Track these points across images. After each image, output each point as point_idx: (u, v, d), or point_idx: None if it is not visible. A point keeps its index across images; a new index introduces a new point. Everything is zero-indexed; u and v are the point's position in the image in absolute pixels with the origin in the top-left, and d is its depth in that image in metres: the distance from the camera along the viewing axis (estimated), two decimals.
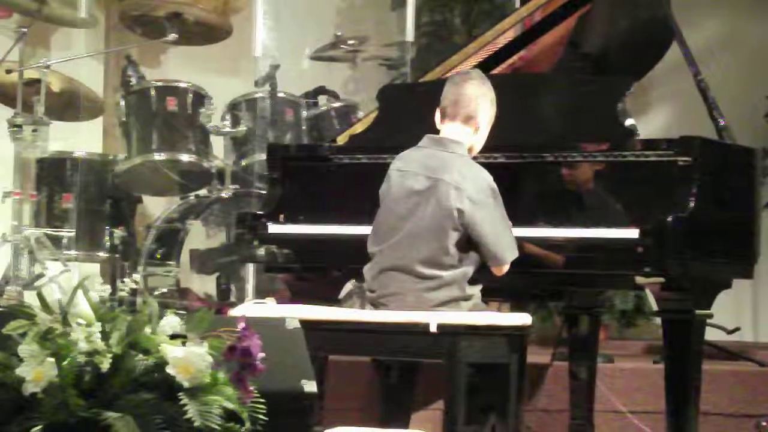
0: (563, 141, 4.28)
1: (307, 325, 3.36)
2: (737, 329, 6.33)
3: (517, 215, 4.05)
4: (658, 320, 4.24)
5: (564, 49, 4.79)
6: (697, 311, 4.14)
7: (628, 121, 4.25)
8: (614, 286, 4.67)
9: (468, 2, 7.17)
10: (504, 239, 4.00)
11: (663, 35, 4.55)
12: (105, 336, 2.82)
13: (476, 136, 4.09)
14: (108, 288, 2.96)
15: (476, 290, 4.07)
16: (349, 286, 5.68)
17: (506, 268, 4.02)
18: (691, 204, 4.00)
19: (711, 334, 4.79)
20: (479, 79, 4.12)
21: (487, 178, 4.00)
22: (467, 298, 4.04)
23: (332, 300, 4.64)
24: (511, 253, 4.01)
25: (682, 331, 4.14)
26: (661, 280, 4.05)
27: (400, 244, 4.04)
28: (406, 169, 4.10)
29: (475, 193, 3.98)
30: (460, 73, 4.23)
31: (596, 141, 4.22)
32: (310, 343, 3.30)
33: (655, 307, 4.26)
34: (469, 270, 4.03)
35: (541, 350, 5.24)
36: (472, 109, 4.06)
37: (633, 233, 3.96)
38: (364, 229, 4.32)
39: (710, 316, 4.20)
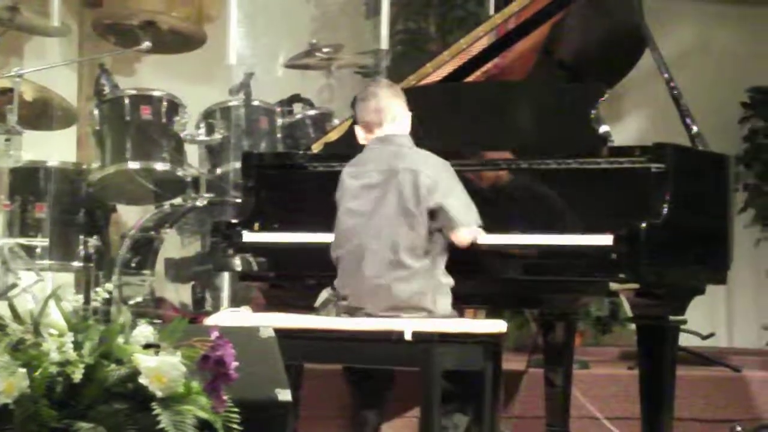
0: (537, 148, 4.28)
1: (281, 333, 3.35)
2: (712, 335, 6.36)
3: (492, 222, 4.05)
4: (633, 326, 4.23)
5: (538, 56, 4.80)
6: (671, 317, 4.15)
7: (602, 128, 4.26)
8: (589, 293, 4.66)
9: (442, 10, 7.19)
10: (469, 206, 4.04)
11: (636, 43, 4.56)
12: (77, 346, 2.81)
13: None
14: (81, 298, 2.95)
15: (450, 281, 4.08)
16: (324, 294, 5.66)
17: (470, 237, 4.03)
18: (665, 211, 4.01)
19: (685, 340, 4.81)
20: (384, 85, 4.30)
21: (439, 158, 4.08)
22: (441, 288, 4.05)
23: (308, 308, 4.63)
24: (475, 219, 4.04)
25: (656, 337, 4.15)
26: (636, 286, 4.06)
27: (367, 242, 4.05)
28: (358, 170, 4.15)
29: (431, 170, 4.04)
30: (365, 91, 4.31)
31: (570, 148, 4.22)
32: (284, 351, 3.29)
33: (629, 313, 4.25)
34: (439, 258, 4.05)
35: (517, 357, 5.25)
36: (395, 111, 4.17)
37: (607, 240, 3.96)
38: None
39: (684, 321, 4.21)
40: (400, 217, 4.03)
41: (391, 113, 4.16)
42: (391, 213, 4.04)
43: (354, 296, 4.07)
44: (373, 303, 4.02)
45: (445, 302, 4.05)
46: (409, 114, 4.20)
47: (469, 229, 4.03)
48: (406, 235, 4.02)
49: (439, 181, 4.02)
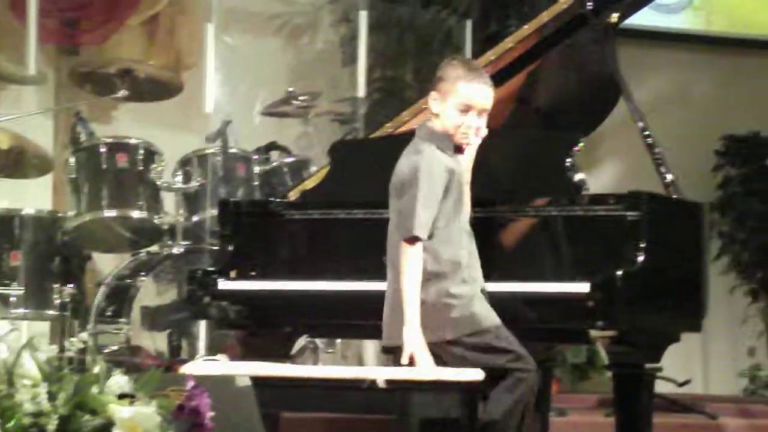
0: (513, 196, 4.29)
1: (258, 382, 3.34)
2: (688, 382, 6.37)
3: None
4: (610, 373, 4.23)
5: (514, 104, 4.82)
6: (647, 364, 4.15)
7: (578, 176, 4.28)
8: (565, 340, 4.67)
9: (419, 58, 7.22)
10: (418, 214, 3.84)
11: (611, 91, 4.57)
12: (51, 396, 2.79)
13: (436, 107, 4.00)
14: (56, 347, 2.93)
15: (464, 290, 3.91)
16: (302, 341, 5.66)
17: (411, 251, 3.84)
18: (640, 258, 4.02)
19: (662, 387, 4.81)
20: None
21: (419, 160, 3.90)
22: (450, 298, 3.90)
23: (285, 356, 4.62)
24: (420, 230, 3.84)
25: (632, 384, 4.15)
26: (612, 333, 4.06)
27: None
28: None
29: (405, 171, 3.93)
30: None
31: (546, 196, 4.23)
32: (260, 400, 3.28)
33: (606, 360, 4.25)
34: (440, 267, 3.91)
35: None
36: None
37: (583, 287, 3.96)
38: (315, 285, 4.31)
39: (660, 369, 4.21)
40: (393, 225, 4.02)
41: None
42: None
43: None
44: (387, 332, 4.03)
45: None
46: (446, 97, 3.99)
47: (405, 236, 3.88)
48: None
49: (407, 183, 3.90)
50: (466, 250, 3.96)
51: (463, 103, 3.91)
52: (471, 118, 3.94)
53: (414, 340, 3.84)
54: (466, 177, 4.02)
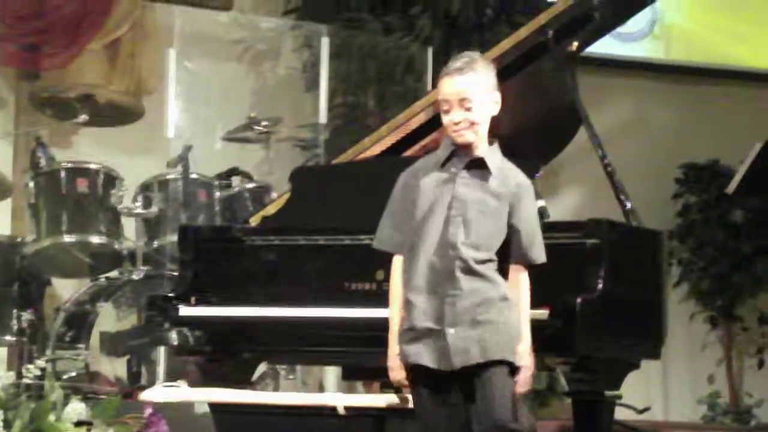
0: None
1: (217, 408, 3.33)
2: (647, 409, 6.38)
3: None
4: (570, 399, 4.24)
5: None
6: (607, 392, 4.15)
7: (538, 204, 4.29)
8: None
9: (381, 85, 7.24)
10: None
11: (571, 120, 4.59)
12: (7, 424, 2.78)
13: None
14: (12, 374, 2.91)
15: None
16: (262, 367, 5.64)
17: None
18: (600, 285, 4.04)
19: (621, 414, 4.81)
20: None
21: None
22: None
23: (246, 383, 4.60)
24: (375, 240, 3.71)
25: (592, 411, 4.15)
26: (571, 360, 4.07)
27: None
28: None
29: None
30: None
31: None
32: (218, 427, 3.27)
33: (566, 386, 4.26)
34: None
35: None
36: None
37: (542, 314, 3.96)
38: (276, 311, 4.31)
39: (620, 396, 4.21)
40: None
41: None
42: None
43: None
44: None
45: None
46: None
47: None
48: None
49: None
50: None
51: (442, 102, 3.68)
52: (452, 115, 3.65)
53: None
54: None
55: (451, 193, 3.62)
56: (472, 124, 3.63)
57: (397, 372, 3.61)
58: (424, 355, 3.54)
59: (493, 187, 3.63)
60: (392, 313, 3.65)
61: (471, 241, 3.57)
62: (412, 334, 3.57)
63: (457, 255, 3.56)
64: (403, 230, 3.66)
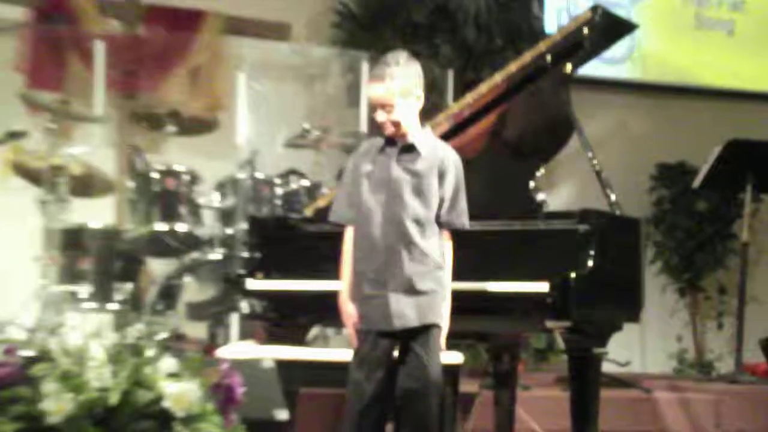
0: (487, 212, 4.28)
1: (279, 363, 3.33)
2: (628, 363, 6.36)
3: (454, 272, 3.98)
4: (565, 356, 4.22)
5: (488, 137, 4.81)
6: (595, 349, 4.14)
7: (539, 196, 4.27)
8: (529, 330, 4.65)
9: None
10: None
11: (566, 127, 4.55)
12: (114, 375, 2.79)
13: None
14: (117, 335, 2.93)
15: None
16: (315, 331, 5.64)
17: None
18: (589, 263, 4.01)
19: (607, 367, 4.79)
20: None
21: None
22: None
23: (301, 343, 4.61)
24: (331, 214, 3.63)
25: (583, 365, 4.13)
26: (567, 324, 4.04)
27: None
28: None
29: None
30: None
31: (513, 212, 4.23)
32: (282, 378, 3.27)
33: (562, 345, 4.24)
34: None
35: (471, 381, 5.22)
36: None
37: (544, 287, 3.95)
38: (325, 284, 4.28)
39: (606, 353, 4.19)
40: None
41: None
42: None
43: None
44: None
45: None
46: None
47: None
48: None
49: None
50: None
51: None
52: (378, 115, 3.53)
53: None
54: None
55: (389, 174, 3.50)
56: (394, 123, 3.51)
57: (346, 315, 3.54)
58: (370, 316, 3.46)
59: (423, 167, 3.51)
60: (343, 274, 3.58)
61: (410, 217, 3.46)
62: (361, 297, 3.49)
63: (399, 230, 3.46)
64: (353, 206, 3.55)
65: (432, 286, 3.49)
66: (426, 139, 3.61)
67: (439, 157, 3.56)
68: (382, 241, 3.47)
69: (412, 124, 3.58)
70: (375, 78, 3.54)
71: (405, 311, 3.45)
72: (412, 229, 3.47)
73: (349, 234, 3.61)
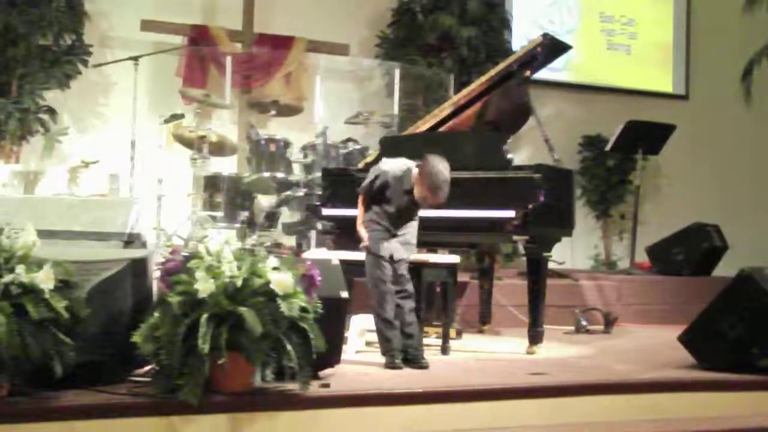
0: (473, 166, 4.24)
1: (342, 261, 3.34)
2: (563, 263, 6.34)
3: (451, 204, 3.90)
4: (524, 258, 4.20)
5: (474, 119, 4.77)
6: (544, 254, 4.13)
7: (508, 155, 4.23)
8: (501, 241, 4.63)
9: (425, 95, 7.16)
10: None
11: (526, 113, 4.53)
12: (239, 267, 2.80)
13: None
14: (240, 243, 2.94)
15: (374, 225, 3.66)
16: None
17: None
18: (541, 199, 3.98)
19: (551, 265, 4.77)
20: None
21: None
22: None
23: (355, 249, 4.60)
24: (360, 188, 3.72)
25: (536, 265, 4.13)
26: (526, 237, 4.03)
27: None
28: None
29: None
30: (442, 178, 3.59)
31: (491, 167, 4.19)
32: (345, 271, 3.28)
33: (522, 251, 4.23)
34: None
35: (465, 274, 5.24)
36: None
37: (511, 213, 3.94)
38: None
39: (551, 256, 4.19)
40: None
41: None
42: None
43: None
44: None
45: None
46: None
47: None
48: None
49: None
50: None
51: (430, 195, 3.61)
52: (424, 207, 3.72)
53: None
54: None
55: (402, 201, 3.66)
56: (430, 206, 3.65)
57: (361, 235, 3.66)
58: (385, 247, 3.63)
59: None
60: (360, 214, 3.71)
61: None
62: (380, 238, 3.64)
63: (403, 217, 3.68)
64: (374, 191, 3.67)
65: (411, 240, 3.70)
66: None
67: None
68: (395, 218, 3.69)
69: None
70: (442, 191, 3.54)
71: (400, 250, 3.67)
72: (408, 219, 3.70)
73: (361, 199, 3.76)
